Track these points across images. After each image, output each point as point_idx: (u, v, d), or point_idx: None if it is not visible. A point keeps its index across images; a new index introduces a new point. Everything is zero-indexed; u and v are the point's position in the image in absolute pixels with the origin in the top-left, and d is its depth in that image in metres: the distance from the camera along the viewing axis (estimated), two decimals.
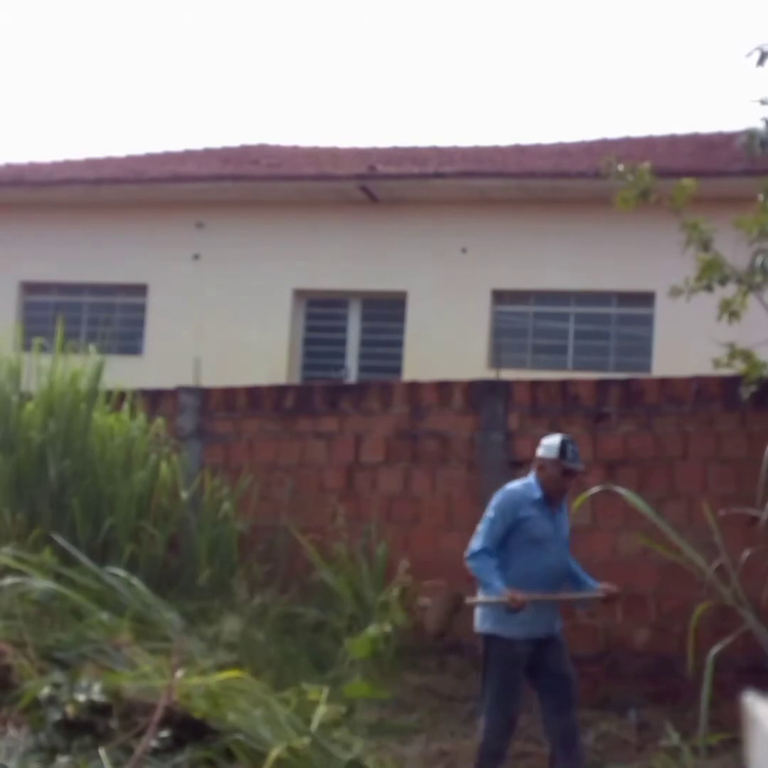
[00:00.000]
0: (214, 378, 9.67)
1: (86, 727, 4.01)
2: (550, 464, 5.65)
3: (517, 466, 8.10)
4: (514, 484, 5.75)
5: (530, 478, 5.75)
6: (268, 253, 14.00)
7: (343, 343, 14.11)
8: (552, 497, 5.65)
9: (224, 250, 14.16)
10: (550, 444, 5.72)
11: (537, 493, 5.62)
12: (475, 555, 5.52)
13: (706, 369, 7.32)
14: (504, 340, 13.22)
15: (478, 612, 5.60)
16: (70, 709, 4.04)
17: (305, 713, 4.76)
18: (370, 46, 39.10)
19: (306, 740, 4.28)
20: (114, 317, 14.22)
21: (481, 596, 5.59)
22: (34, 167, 15.75)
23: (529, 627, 5.47)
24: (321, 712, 4.45)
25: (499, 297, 13.49)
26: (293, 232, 14.00)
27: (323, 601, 7.94)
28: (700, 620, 6.40)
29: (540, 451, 5.75)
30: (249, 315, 13.89)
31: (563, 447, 5.67)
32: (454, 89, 37.58)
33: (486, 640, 5.54)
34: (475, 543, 5.55)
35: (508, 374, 9.13)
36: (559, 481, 5.67)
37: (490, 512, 5.59)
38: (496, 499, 5.64)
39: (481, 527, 5.59)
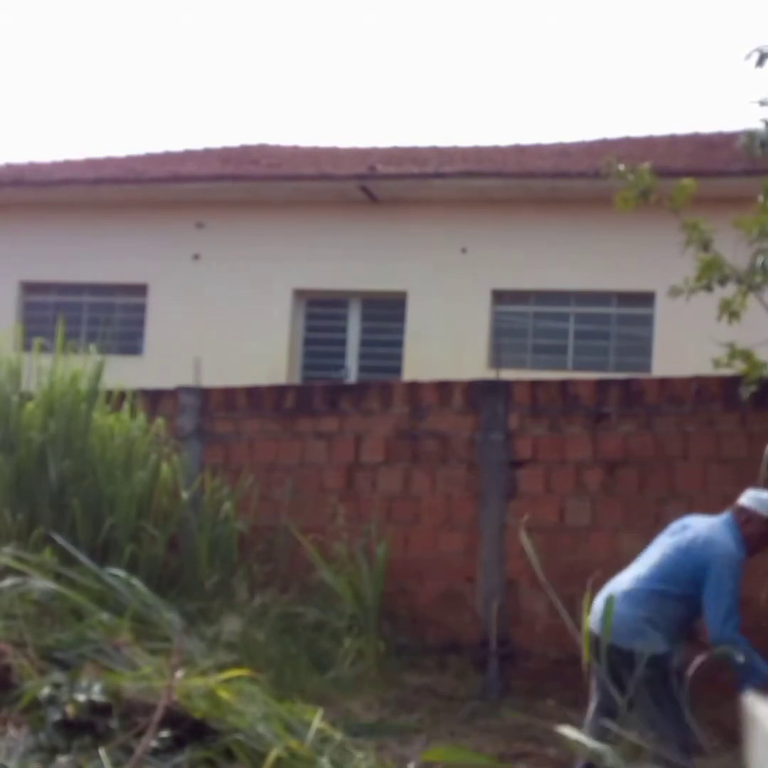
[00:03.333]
0: (214, 378, 9.67)
1: (86, 727, 4.00)
2: (758, 521, 5.29)
3: (517, 466, 8.12)
4: (729, 543, 5.24)
5: (726, 524, 5.34)
6: (268, 253, 14.01)
7: (343, 343, 14.11)
8: (750, 554, 5.34)
9: (224, 250, 14.17)
10: (765, 499, 5.35)
11: (743, 552, 5.26)
12: (738, 640, 5.04)
13: (706, 369, 7.32)
14: (504, 340, 13.23)
15: (624, 629, 5.12)
16: (70, 709, 4.03)
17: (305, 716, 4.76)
18: (370, 46, 39.13)
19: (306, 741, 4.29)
20: (114, 317, 14.23)
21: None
22: (34, 167, 15.76)
23: (674, 648, 5.24)
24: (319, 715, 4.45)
25: (499, 297, 13.50)
26: (293, 232, 14.01)
27: (323, 601, 7.95)
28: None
29: (750, 503, 5.35)
30: (249, 315, 13.90)
31: None
32: (454, 89, 37.61)
33: (655, 660, 5.09)
34: (730, 625, 5.05)
35: (508, 374, 9.13)
36: (760, 541, 5.33)
37: (729, 583, 5.10)
38: (728, 566, 5.14)
39: (724, 602, 5.08)
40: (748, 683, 5.02)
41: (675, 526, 5.55)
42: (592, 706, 5.51)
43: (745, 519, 5.32)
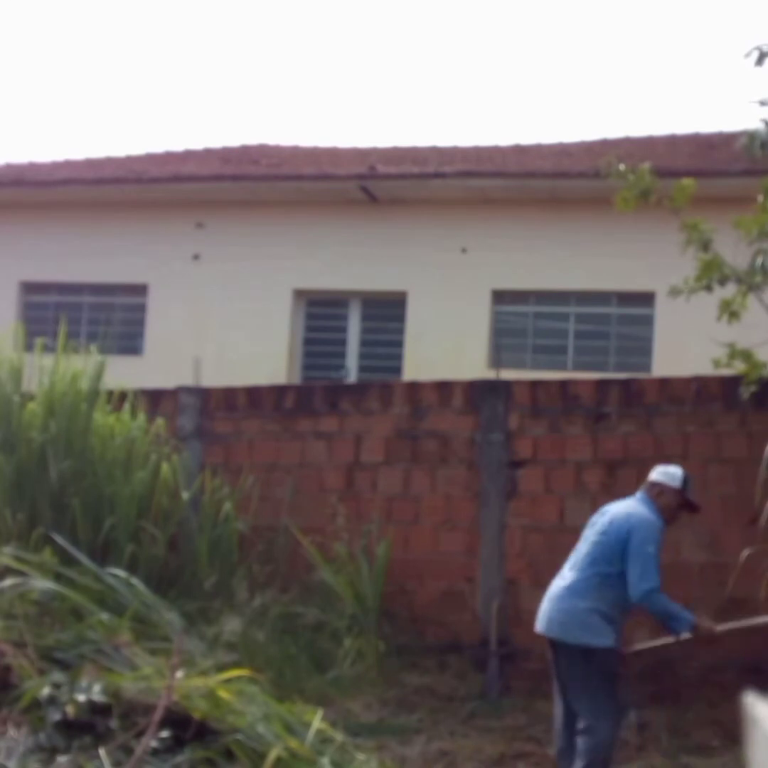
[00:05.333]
0: (214, 378, 9.67)
1: (86, 727, 4.00)
2: (670, 492, 5.65)
3: (517, 466, 8.12)
4: (647, 513, 5.56)
5: (640, 500, 5.66)
6: (268, 253, 14.00)
7: (343, 343, 14.10)
8: (667, 523, 5.65)
9: (224, 250, 14.16)
10: (673, 473, 5.71)
11: (661, 521, 5.59)
12: (654, 593, 5.31)
13: (706, 369, 7.33)
14: (504, 340, 13.22)
15: (573, 623, 5.39)
16: (70, 709, 4.03)
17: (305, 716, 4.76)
18: (370, 46, 39.14)
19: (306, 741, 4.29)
20: (114, 317, 14.21)
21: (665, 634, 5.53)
22: (34, 167, 15.74)
23: (618, 637, 5.43)
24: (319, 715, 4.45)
25: (499, 297, 13.49)
26: (293, 232, 13.99)
27: (323, 601, 7.95)
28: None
29: (659, 477, 5.70)
30: (249, 315, 13.89)
31: (686, 479, 5.69)
32: (454, 89, 37.60)
33: (588, 653, 5.33)
34: (646, 581, 5.30)
35: (508, 374, 9.12)
36: (674, 511, 5.67)
37: (649, 547, 5.38)
38: (647, 531, 5.44)
39: (642, 563, 5.34)
40: (676, 632, 5.43)
41: (593, 517, 5.80)
42: (556, 700, 5.60)
43: (658, 492, 5.66)
